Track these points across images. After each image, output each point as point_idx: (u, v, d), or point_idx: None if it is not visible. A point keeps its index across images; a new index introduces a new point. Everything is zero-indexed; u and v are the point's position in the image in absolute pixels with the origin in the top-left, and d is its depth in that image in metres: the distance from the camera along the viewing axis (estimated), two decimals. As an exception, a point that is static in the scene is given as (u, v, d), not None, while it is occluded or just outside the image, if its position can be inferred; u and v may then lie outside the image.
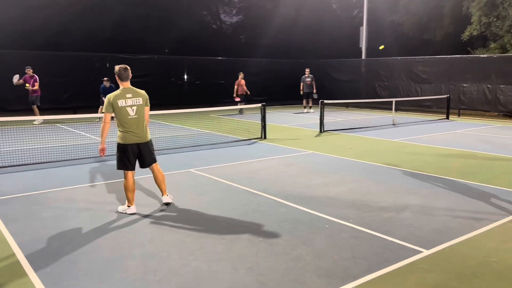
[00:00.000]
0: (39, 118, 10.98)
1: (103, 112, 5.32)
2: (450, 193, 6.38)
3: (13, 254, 4.23)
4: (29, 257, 4.15)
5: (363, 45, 22.91)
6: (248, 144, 10.81)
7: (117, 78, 5.35)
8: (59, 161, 8.61)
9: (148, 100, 5.49)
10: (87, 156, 9.04)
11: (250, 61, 23.47)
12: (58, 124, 14.70)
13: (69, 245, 4.46)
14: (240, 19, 36.00)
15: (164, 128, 13.48)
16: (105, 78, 15.79)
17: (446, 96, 17.12)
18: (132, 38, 26.97)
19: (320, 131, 12.82)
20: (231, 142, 11.08)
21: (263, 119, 11.71)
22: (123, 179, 5.49)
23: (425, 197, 6.20)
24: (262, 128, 11.67)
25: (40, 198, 6.13)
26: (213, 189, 6.62)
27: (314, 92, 19.08)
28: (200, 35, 30.44)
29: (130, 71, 5.37)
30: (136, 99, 5.31)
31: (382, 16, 28.37)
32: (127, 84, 5.36)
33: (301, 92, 19.38)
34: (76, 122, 15.33)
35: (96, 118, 15.76)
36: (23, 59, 17.03)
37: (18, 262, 4.07)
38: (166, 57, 22.74)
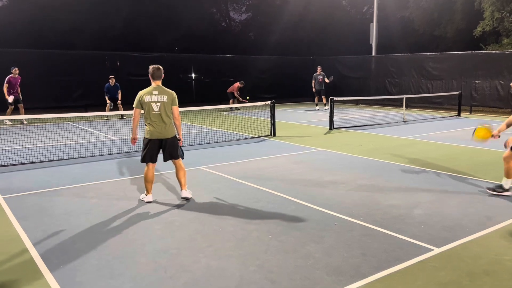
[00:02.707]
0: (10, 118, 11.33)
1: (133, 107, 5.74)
2: (461, 191, 6.32)
3: (26, 250, 4.29)
4: (41, 253, 4.20)
5: (373, 41, 22.74)
6: (258, 142, 10.81)
7: (150, 76, 5.74)
8: (69, 158, 8.70)
9: (176, 100, 5.79)
10: (97, 154, 9.12)
11: (259, 59, 23.46)
12: (69, 122, 14.84)
13: (81, 241, 4.51)
14: (249, 17, 35.98)
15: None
16: (111, 76, 16.01)
17: (457, 92, 16.93)
18: (142, 37, 27.11)
19: (330, 129, 12.77)
20: (240, 139, 11.10)
21: (272, 116, 11.70)
22: (136, 175, 5.53)
23: (436, 194, 6.15)
24: (271, 126, 11.67)
25: (51, 195, 6.20)
26: (223, 187, 6.63)
27: (327, 81, 18.93)
28: (209, 33, 30.49)
29: (162, 71, 5.79)
30: (161, 97, 5.65)
31: (392, 12, 28.15)
32: (158, 82, 5.74)
33: (313, 90, 19.40)
34: (87, 120, 15.46)
35: (104, 116, 15.88)
36: (35, 58, 17.23)
37: (31, 258, 4.13)
38: (176, 55, 22.83)
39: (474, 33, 23.48)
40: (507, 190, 6.02)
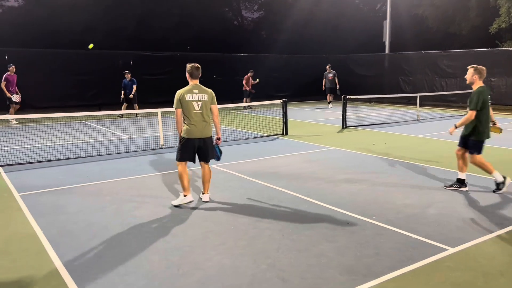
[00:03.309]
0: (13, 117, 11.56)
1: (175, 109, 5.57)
2: (476, 190, 6.24)
3: (42, 247, 4.36)
4: (57, 250, 4.27)
5: (387, 39, 22.54)
6: (270, 140, 10.81)
7: (188, 75, 5.62)
8: (84, 157, 8.81)
9: (215, 98, 5.68)
10: (111, 152, 9.21)
11: (271, 57, 23.43)
12: (83, 121, 15.01)
13: (95, 239, 4.57)
14: (261, 15, 35.94)
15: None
16: (126, 71, 16.09)
17: (472, 90, 16.69)
18: (154, 36, 27.26)
19: (343, 127, 12.71)
20: (252, 138, 11.11)
21: (285, 115, 11.68)
22: (150, 173, 5.57)
23: (450, 194, 6.08)
24: (283, 124, 11.65)
25: (66, 193, 6.28)
26: (235, 185, 6.65)
27: (338, 88, 19.16)
28: (222, 32, 30.53)
29: (200, 70, 5.65)
30: (202, 95, 5.55)
31: (406, 10, 27.85)
32: (196, 81, 5.63)
33: (323, 88, 19.41)
34: (101, 118, 15.62)
35: (118, 115, 16.00)
36: (50, 58, 17.46)
37: (47, 254, 4.19)
38: (188, 54, 22.92)
39: (489, 30, 23.12)
40: (464, 185, 6.18)
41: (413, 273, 3.75)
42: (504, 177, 6.08)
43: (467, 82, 6.21)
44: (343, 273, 3.75)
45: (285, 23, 29.73)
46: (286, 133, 11.57)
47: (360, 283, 3.57)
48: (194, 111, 5.49)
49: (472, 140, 6.05)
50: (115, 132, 12.49)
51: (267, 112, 16.48)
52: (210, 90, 5.68)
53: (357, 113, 16.56)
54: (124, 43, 25.21)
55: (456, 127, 6.16)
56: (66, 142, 10.42)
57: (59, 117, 14.59)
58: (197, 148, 5.62)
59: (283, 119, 11.70)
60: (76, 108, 16.70)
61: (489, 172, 6.10)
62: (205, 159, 5.75)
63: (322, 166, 7.93)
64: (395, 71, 21.28)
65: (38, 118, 14.65)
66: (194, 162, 5.75)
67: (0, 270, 3.90)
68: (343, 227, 4.83)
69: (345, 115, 12.81)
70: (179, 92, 5.53)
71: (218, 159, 5.88)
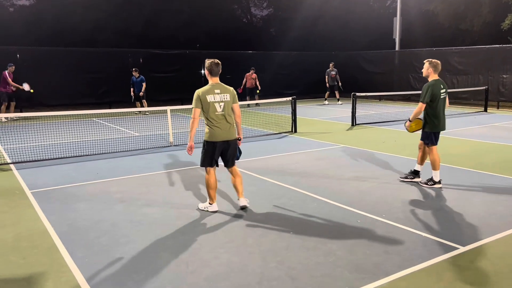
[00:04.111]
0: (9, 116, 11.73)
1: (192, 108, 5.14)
2: (487, 189, 6.17)
3: (53, 244, 4.40)
4: (67, 247, 4.31)
5: (397, 36, 22.35)
6: (279, 138, 10.79)
7: (207, 73, 5.21)
8: (94, 154, 8.87)
9: (236, 97, 5.32)
10: (121, 150, 9.27)
11: (280, 54, 23.37)
12: (94, 119, 15.12)
13: (105, 236, 4.60)
14: (270, 12, 35.87)
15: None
16: (134, 69, 16.13)
17: (484, 87, 16.50)
18: (164, 34, 27.35)
19: (352, 125, 12.64)
20: (261, 136, 11.09)
21: (294, 112, 11.64)
22: (159, 171, 5.58)
23: (462, 192, 6.02)
24: (292, 122, 11.62)
25: (76, 190, 6.33)
26: (244, 183, 6.63)
27: (339, 84, 19.57)
28: (231, 29, 30.54)
29: (221, 66, 5.23)
30: (224, 95, 5.16)
31: (416, 6, 27.58)
32: (216, 79, 5.22)
33: (327, 85, 19.70)
34: (111, 116, 15.71)
35: (135, 112, 16.10)
36: (61, 56, 17.61)
37: (57, 251, 4.23)
38: (197, 51, 22.94)
39: (502, 26, 22.81)
40: (438, 182, 6.23)
41: (423, 271, 3.72)
42: (440, 180, 6.23)
43: (423, 75, 6.40)
44: (352, 272, 3.73)
45: (294, 20, 29.63)
46: (295, 131, 11.54)
47: (370, 282, 3.54)
48: (217, 113, 5.09)
49: (424, 131, 6.31)
50: (125, 129, 12.56)
51: (276, 110, 16.45)
52: (231, 88, 5.30)
53: (367, 110, 16.45)
54: (133, 41, 25.35)
55: (410, 121, 6.35)
56: (76, 140, 10.51)
57: (70, 115, 14.75)
58: (223, 152, 5.26)
59: (292, 117, 11.67)
60: (87, 106, 16.81)
61: (434, 168, 6.22)
62: (230, 163, 5.38)
63: (331, 164, 7.89)
64: (405, 68, 21.09)
65: (49, 116, 14.77)
66: (217, 166, 5.38)
67: (11, 266, 3.94)
68: (352, 225, 4.81)
69: (355, 113, 12.74)
70: (198, 91, 5.12)
71: (237, 158, 5.50)
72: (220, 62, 5.24)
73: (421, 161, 6.48)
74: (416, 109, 6.16)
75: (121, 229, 4.79)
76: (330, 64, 19.66)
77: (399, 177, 6.71)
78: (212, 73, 5.18)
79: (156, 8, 27.31)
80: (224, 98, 5.15)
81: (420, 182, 6.39)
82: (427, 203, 5.57)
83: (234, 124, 5.31)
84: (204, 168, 5.33)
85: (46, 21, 25.22)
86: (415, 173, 6.51)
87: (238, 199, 5.42)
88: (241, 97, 18.63)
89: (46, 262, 4.01)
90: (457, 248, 4.15)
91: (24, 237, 4.61)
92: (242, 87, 18.82)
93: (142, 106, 16.00)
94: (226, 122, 5.16)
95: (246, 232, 4.66)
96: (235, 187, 5.46)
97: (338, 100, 19.69)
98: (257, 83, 18.99)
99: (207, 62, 5.19)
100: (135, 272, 3.78)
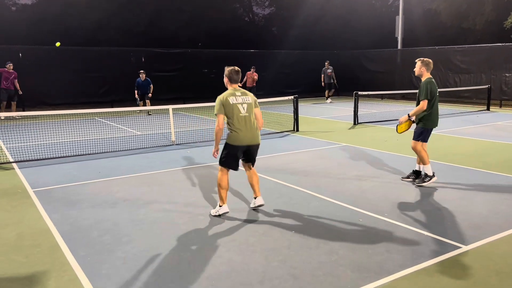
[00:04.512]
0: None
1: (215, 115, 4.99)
2: (490, 188, 6.15)
3: (55, 243, 4.41)
4: (69, 246, 4.31)
5: (399, 34, 22.31)
6: (281, 137, 10.78)
7: (226, 80, 5.10)
8: (96, 153, 8.88)
9: (257, 102, 5.17)
10: (123, 149, 9.28)
11: (282, 53, 23.36)
12: (96, 118, 15.14)
13: (107, 234, 4.60)
14: (272, 11, 35.85)
15: (197, 121, 13.65)
16: (141, 71, 15.78)
17: (486, 86, 16.46)
18: (166, 33, 27.37)
19: (354, 123, 12.63)
20: (263, 135, 11.08)
21: (296, 111, 11.64)
22: (161, 169, 5.57)
23: (464, 191, 6.01)
24: (294, 121, 11.61)
25: (79, 189, 6.34)
26: (246, 182, 6.63)
27: (335, 82, 19.98)
28: (233, 28, 30.53)
29: (240, 73, 5.14)
30: (245, 97, 5.04)
31: (419, 5, 27.53)
32: (236, 86, 5.12)
33: (323, 84, 19.99)
34: (113, 115, 15.74)
35: (136, 111, 16.03)
36: (63, 55, 17.64)
37: (59, 250, 4.24)
38: (199, 50, 22.95)
39: (504, 25, 22.74)
40: (433, 176, 6.26)
41: (426, 270, 3.71)
42: (433, 173, 6.27)
43: (416, 74, 6.42)
44: (354, 271, 3.73)
45: (297, 19, 29.60)
46: (297, 130, 11.53)
47: (372, 281, 3.54)
48: (241, 115, 4.94)
49: (419, 127, 6.37)
50: (127, 128, 12.57)
51: (278, 109, 16.45)
52: (251, 94, 5.18)
53: (369, 109, 16.43)
54: (135, 40, 25.37)
55: (409, 116, 6.36)
56: (78, 139, 10.52)
57: (72, 113, 14.77)
58: (246, 154, 5.14)
59: (294, 116, 11.66)
60: (89, 104, 16.83)
61: (423, 162, 6.26)
62: (250, 162, 5.26)
63: (333, 162, 7.89)
64: (408, 66, 20.96)
65: (51, 114, 14.81)
66: (236, 170, 5.20)
67: (14, 265, 3.95)
68: (355, 224, 4.80)
69: (357, 112, 12.72)
70: (220, 96, 4.96)
71: None
72: (240, 70, 5.14)
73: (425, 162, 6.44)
74: (419, 106, 6.15)
75: (123, 228, 4.79)
76: (326, 63, 19.93)
77: (401, 177, 6.70)
78: (231, 80, 5.08)
79: (158, 7, 27.33)
80: (246, 100, 5.02)
81: (416, 183, 6.33)
82: (429, 202, 5.56)
83: (257, 129, 5.10)
84: (219, 167, 5.15)
85: (48, 20, 25.28)
86: (417, 174, 6.50)
87: (255, 198, 5.33)
88: (266, 94, 18.73)
89: (48, 261, 4.02)
90: (460, 247, 4.15)
91: (26, 236, 4.62)
92: (241, 84, 18.82)
93: (145, 105, 15.89)
94: (251, 125, 5.00)
95: (248, 231, 4.66)
96: (252, 185, 5.33)
97: (327, 98, 20.20)
98: (255, 82, 18.95)
99: (227, 69, 5.08)
100: (137, 271, 3.79)
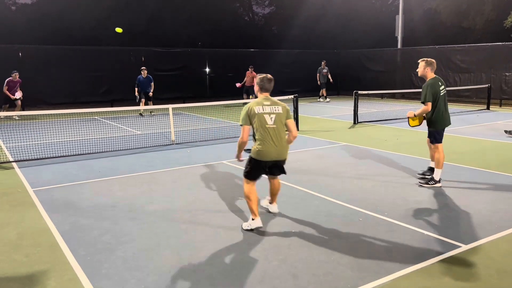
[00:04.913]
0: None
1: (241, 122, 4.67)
2: (490, 187, 6.15)
3: (55, 242, 4.41)
4: (70, 245, 4.31)
5: (399, 34, 22.30)
6: (281, 136, 10.76)
7: (257, 88, 4.71)
8: (96, 152, 8.88)
9: (289, 112, 4.68)
10: (123, 148, 9.28)
11: (282, 53, 23.35)
12: (95, 117, 15.14)
13: (107, 234, 4.60)
14: (272, 10, 35.85)
15: (197, 121, 13.65)
16: (143, 68, 15.42)
17: (486, 85, 16.46)
18: (166, 32, 27.37)
19: (354, 123, 12.62)
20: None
21: (295, 110, 11.63)
22: (160, 169, 5.56)
23: (464, 190, 6.00)
24: (294, 120, 11.59)
25: (79, 189, 6.34)
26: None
27: (331, 81, 20.25)
28: (233, 27, 30.54)
29: (273, 82, 4.72)
30: (274, 107, 4.57)
31: (419, 4, 27.52)
32: (267, 95, 4.71)
33: (319, 83, 20.15)
34: (113, 114, 15.74)
35: (139, 112, 15.87)
36: (63, 54, 17.64)
37: (60, 249, 4.24)
38: (199, 50, 22.95)
39: (504, 24, 22.74)
40: (438, 182, 6.20)
41: (425, 270, 3.71)
42: (440, 179, 6.21)
43: (419, 75, 6.34)
44: (355, 270, 3.73)
45: (297, 19, 29.59)
46: (297, 129, 11.51)
47: (372, 280, 3.54)
48: (267, 126, 4.50)
49: (429, 129, 6.36)
50: (127, 128, 12.57)
51: (278, 108, 16.41)
52: (283, 104, 4.68)
53: (369, 108, 16.42)
54: (136, 39, 25.36)
55: (415, 115, 6.35)
56: (78, 138, 10.52)
57: (72, 113, 14.76)
58: (271, 167, 4.69)
59: (294, 115, 11.66)
60: (89, 104, 16.82)
61: (437, 165, 6.20)
62: (275, 174, 4.86)
63: (333, 162, 7.89)
64: (408, 66, 21.04)
65: (51, 114, 14.79)
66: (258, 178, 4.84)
67: (14, 264, 3.95)
68: (355, 224, 4.80)
69: (357, 111, 12.72)
70: (247, 105, 4.61)
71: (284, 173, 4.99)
72: (273, 78, 4.72)
73: (433, 158, 6.46)
74: (423, 108, 6.10)
75: (123, 227, 4.79)
76: (323, 62, 20.12)
77: (417, 173, 6.66)
78: (262, 89, 4.69)
79: (158, 6, 27.32)
80: (275, 110, 4.55)
81: (419, 182, 6.34)
82: (429, 201, 5.56)
83: (286, 143, 4.63)
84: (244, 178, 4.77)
85: (48, 20, 25.27)
86: (432, 170, 6.45)
87: (270, 203, 5.16)
88: (239, 94, 18.71)
89: (48, 260, 4.02)
90: (460, 247, 4.14)
91: (26, 235, 4.62)
92: (242, 83, 18.78)
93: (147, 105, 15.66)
94: (278, 138, 4.52)
95: (248, 230, 4.65)
96: (271, 193, 5.09)
97: (320, 97, 20.41)
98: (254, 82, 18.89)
99: (259, 77, 4.70)
100: (137, 270, 3.79)
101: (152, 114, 15.87)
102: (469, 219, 4.88)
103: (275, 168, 4.69)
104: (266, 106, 4.55)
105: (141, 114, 15.67)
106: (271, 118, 4.52)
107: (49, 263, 3.96)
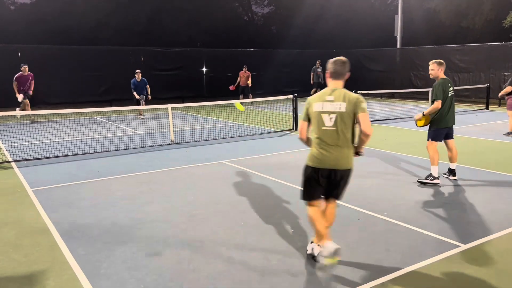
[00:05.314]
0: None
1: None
2: (488, 186, 6.16)
3: (54, 242, 4.41)
4: (69, 245, 4.31)
5: (398, 34, 22.31)
6: (280, 136, 10.78)
7: (328, 75, 3.88)
8: (95, 152, 8.87)
9: (363, 105, 3.69)
10: (122, 148, 9.27)
11: (281, 52, 23.34)
12: (94, 117, 15.13)
13: (107, 233, 4.60)
14: (272, 10, 35.84)
15: (196, 120, 13.64)
16: (137, 70, 14.57)
17: (485, 85, 16.47)
18: (165, 32, 27.36)
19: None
20: (262, 134, 11.09)
21: (295, 110, 11.64)
22: (160, 169, 5.57)
23: (463, 190, 6.01)
24: (293, 120, 11.61)
25: (78, 188, 6.34)
26: (245, 181, 6.65)
27: (323, 82, 20.06)
28: (232, 27, 30.53)
29: (347, 65, 3.87)
30: (338, 104, 3.68)
31: (418, 4, 27.52)
32: (338, 84, 3.82)
33: (312, 82, 20.22)
34: (112, 114, 15.73)
35: (138, 114, 15.65)
36: (62, 54, 17.63)
37: (59, 249, 4.24)
38: (199, 49, 22.94)
39: (503, 24, 22.77)
40: (436, 178, 6.23)
41: (425, 269, 3.72)
42: (438, 177, 6.25)
43: (433, 76, 6.44)
44: (354, 269, 3.73)
45: (296, 18, 29.59)
46: (296, 129, 11.53)
47: (371, 279, 3.54)
48: (324, 128, 3.72)
49: (431, 129, 6.40)
50: (126, 128, 12.56)
51: (277, 108, 16.45)
52: (355, 95, 3.73)
53: (368, 108, 16.39)
54: (135, 39, 25.35)
55: (424, 114, 6.38)
56: (77, 138, 10.51)
57: (71, 113, 14.75)
58: (328, 181, 3.83)
59: (293, 115, 11.66)
60: (88, 104, 16.81)
61: (432, 162, 6.26)
62: (333, 195, 3.94)
63: (332, 161, 7.88)
64: (407, 65, 21.07)
65: (50, 114, 14.77)
66: (319, 198, 3.95)
67: (13, 264, 3.95)
68: (354, 223, 4.81)
69: (356, 111, 12.70)
70: (308, 99, 3.92)
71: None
72: (346, 61, 3.87)
73: (451, 160, 6.49)
74: (433, 105, 6.17)
75: (122, 227, 4.79)
76: (317, 62, 20.10)
77: (443, 173, 6.63)
78: (333, 75, 3.83)
79: (157, 6, 27.31)
80: (338, 109, 3.67)
81: (418, 180, 6.37)
82: (428, 201, 5.57)
83: (350, 147, 3.78)
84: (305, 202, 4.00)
85: (47, 19, 25.24)
86: (451, 171, 6.53)
87: (326, 242, 3.73)
88: (235, 95, 18.70)
89: (47, 260, 4.02)
90: (459, 246, 4.15)
91: (25, 235, 4.61)
92: (236, 85, 18.77)
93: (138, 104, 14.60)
94: (337, 143, 3.70)
95: (247, 229, 4.66)
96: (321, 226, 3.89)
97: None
98: (249, 81, 18.79)
99: (331, 62, 3.89)
100: (136, 270, 3.78)
101: (141, 116, 14.94)
102: (468, 219, 4.89)
103: (331, 184, 3.82)
104: (328, 103, 3.72)
105: (141, 115, 15.19)
106: (330, 118, 3.70)
107: (48, 262, 3.95)
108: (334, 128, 3.70)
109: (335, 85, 3.82)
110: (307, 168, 3.90)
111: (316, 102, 3.81)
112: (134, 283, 3.56)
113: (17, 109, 13.69)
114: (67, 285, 3.56)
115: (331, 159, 3.73)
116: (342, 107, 3.68)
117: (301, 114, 4.13)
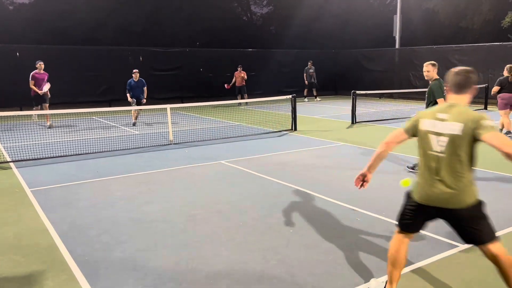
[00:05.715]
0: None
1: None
2: (487, 186, 6.17)
3: (53, 242, 4.40)
4: (67, 245, 4.31)
5: (397, 34, 22.33)
6: (279, 136, 10.79)
7: (447, 88, 3.06)
8: (94, 152, 8.86)
9: (484, 124, 2.82)
10: (121, 148, 9.27)
11: (280, 52, 23.35)
12: (93, 117, 15.12)
13: (105, 234, 4.60)
14: (271, 10, 35.84)
15: (195, 120, 13.64)
16: (135, 70, 13.31)
17: (484, 85, 16.50)
18: (164, 32, 27.35)
19: (352, 122, 12.63)
20: (261, 134, 11.09)
21: (293, 110, 11.64)
22: (158, 169, 5.56)
23: (461, 190, 6.01)
24: (292, 120, 11.62)
25: (77, 188, 6.33)
26: (244, 181, 6.65)
27: (315, 82, 20.67)
28: (231, 27, 30.52)
29: (473, 78, 3.00)
30: (451, 125, 2.87)
31: (417, 4, 27.55)
32: (459, 99, 2.99)
33: (306, 83, 20.44)
34: (111, 114, 15.72)
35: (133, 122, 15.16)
36: (61, 54, 17.61)
37: (57, 249, 4.23)
38: (197, 49, 22.93)
39: (502, 24, 22.80)
40: None
41: (423, 269, 3.72)
42: None
43: (428, 78, 6.55)
44: (352, 270, 3.74)
45: (295, 18, 29.59)
46: (295, 129, 11.54)
47: (369, 279, 3.54)
48: (430, 152, 2.97)
49: None
50: (125, 128, 12.56)
51: (276, 108, 16.45)
52: (477, 115, 2.86)
53: (367, 108, 16.44)
54: (134, 39, 25.33)
55: None
56: (76, 138, 10.50)
57: (70, 113, 14.73)
58: (435, 218, 3.22)
59: (292, 115, 11.66)
60: (87, 104, 16.78)
61: None
62: (472, 242, 3.16)
63: (331, 162, 7.89)
64: (406, 66, 21.09)
65: (49, 114, 14.73)
66: (413, 232, 3.32)
67: (12, 264, 3.94)
68: (352, 223, 4.81)
69: (355, 111, 12.73)
70: (418, 113, 3.17)
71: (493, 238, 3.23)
72: (472, 70, 3.01)
73: None
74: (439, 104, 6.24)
75: (121, 227, 4.79)
76: (309, 63, 20.34)
77: (407, 166, 6.86)
78: (453, 88, 3.01)
79: (156, 6, 27.29)
80: (449, 130, 2.87)
81: (407, 166, 6.69)
82: (427, 201, 5.57)
83: (463, 183, 2.98)
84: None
85: (45, 19, 25.21)
86: None
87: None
88: (231, 95, 18.73)
89: (46, 260, 4.01)
90: (457, 246, 4.16)
91: (24, 235, 4.61)
92: (231, 84, 18.80)
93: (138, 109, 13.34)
94: (439, 174, 2.94)
95: (246, 230, 4.66)
96: (506, 279, 3.14)
97: (305, 97, 20.58)
98: (244, 81, 18.88)
99: (453, 72, 3.03)
100: (135, 270, 3.78)
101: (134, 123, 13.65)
102: (467, 219, 4.89)
103: (462, 228, 3.13)
104: (439, 122, 2.93)
105: (134, 124, 13.49)
106: (439, 141, 2.92)
107: (46, 263, 3.95)
108: (442, 155, 2.92)
109: (455, 100, 2.99)
110: (406, 196, 3.33)
111: (424, 118, 3.04)
112: (133, 283, 3.56)
113: (34, 108, 12.92)
114: (65, 285, 3.56)
115: (430, 193, 3.01)
116: (455, 128, 2.85)
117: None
